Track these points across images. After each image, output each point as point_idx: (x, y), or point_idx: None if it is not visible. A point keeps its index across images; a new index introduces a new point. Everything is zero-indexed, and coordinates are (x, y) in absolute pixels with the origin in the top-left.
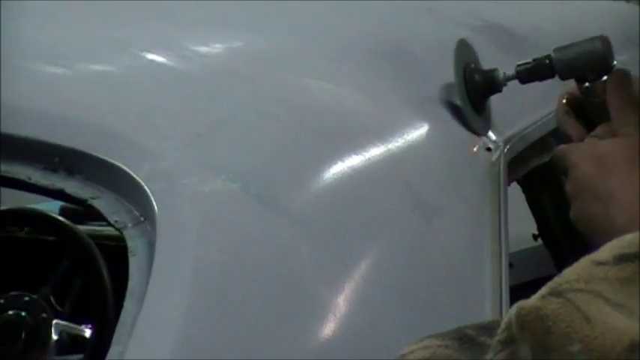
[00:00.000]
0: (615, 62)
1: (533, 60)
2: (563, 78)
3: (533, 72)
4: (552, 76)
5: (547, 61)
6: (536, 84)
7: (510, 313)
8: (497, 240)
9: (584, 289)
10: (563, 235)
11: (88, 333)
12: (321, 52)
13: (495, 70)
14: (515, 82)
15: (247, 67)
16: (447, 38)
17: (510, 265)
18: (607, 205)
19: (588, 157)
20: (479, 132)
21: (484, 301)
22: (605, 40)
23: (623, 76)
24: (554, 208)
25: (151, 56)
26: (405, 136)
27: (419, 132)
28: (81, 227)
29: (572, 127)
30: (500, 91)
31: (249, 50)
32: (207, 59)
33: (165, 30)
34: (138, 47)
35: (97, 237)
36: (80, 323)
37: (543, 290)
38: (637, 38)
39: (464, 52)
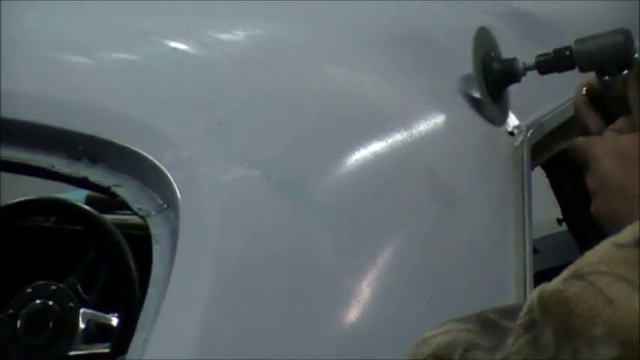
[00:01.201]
0: (637, 55)
1: (554, 51)
2: (583, 70)
3: (553, 63)
4: (572, 68)
5: (567, 53)
6: None
7: (532, 296)
8: (521, 226)
9: (605, 272)
10: (587, 220)
11: (115, 322)
12: (343, 40)
13: (515, 59)
14: None
15: (268, 54)
16: (468, 25)
17: (535, 251)
18: (631, 201)
19: (610, 151)
20: (496, 122)
21: (508, 288)
22: (627, 33)
23: None
24: (578, 192)
25: (172, 44)
26: (427, 123)
27: (441, 118)
28: (107, 216)
29: (591, 118)
30: (519, 81)
31: (271, 38)
32: (229, 47)
33: (187, 18)
34: (160, 35)
35: (123, 226)
36: (107, 312)
37: (565, 273)
38: None
39: (483, 40)
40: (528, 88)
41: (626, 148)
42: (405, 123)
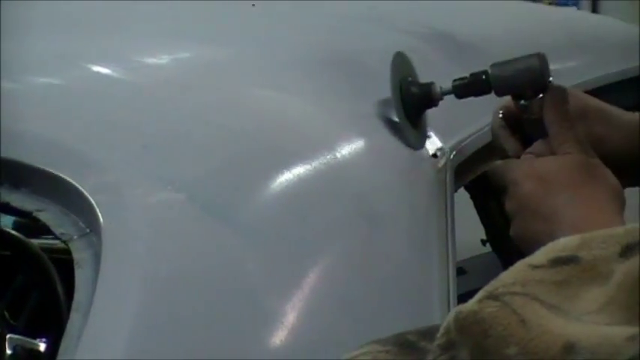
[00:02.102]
0: (551, 79)
1: (470, 75)
2: (499, 94)
3: (470, 87)
4: (489, 92)
5: (484, 77)
6: None
7: (449, 317)
8: (445, 246)
9: (520, 292)
10: (511, 241)
11: (43, 347)
12: (269, 63)
13: (432, 84)
14: None
15: (194, 78)
16: (395, 47)
17: (463, 272)
18: (550, 223)
19: (529, 174)
20: (414, 146)
21: (432, 308)
22: (542, 58)
23: (560, 93)
24: (501, 213)
25: (97, 68)
26: (351, 146)
27: (365, 141)
28: (35, 241)
29: (509, 142)
30: (437, 105)
31: (197, 61)
32: (154, 70)
33: (112, 42)
34: (84, 60)
35: (50, 250)
36: (35, 337)
37: (480, 294)
38: (583, 43)
39: (401, 64)
40: (451, 110)
41: (543, 170)
42: (330, 145)
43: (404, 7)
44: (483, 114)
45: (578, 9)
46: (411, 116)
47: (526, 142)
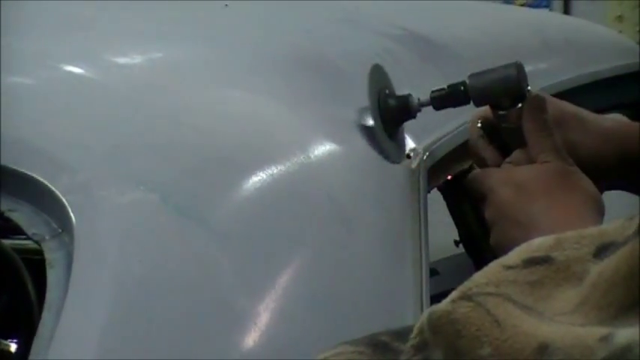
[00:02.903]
0: (529, 88)
1: (448, 86)
2: (478, 105)
3: (448, 98)
4: (467, 103)
5: (462, 88)
6: None
7: (422, 317)
8: (418, 247)
9: (493, 293)
10: (485, 242)
11: (13, 347)
12: (242, 64)
13: (409, 96)
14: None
15: (166, 78)
16: (368, 48)
17: (436, 273)
18: (528, 230)
19: (507, 182)
20: (393, 158)
21: (406, 309)
22: (519, 67)
23: (539, 102)
24: (475, 214)
25: (68, 68)
26: (324, 147)
27: (338, 143)
28: (5, 241)
29: (487, 152)
30: (415, 117)
31: (168, 61)
32: (126, 70)
33: (83, 42)
34: (55, 59)
35: (22, 251)
36: (6, 338)
37: (454, 294)
38: (556, 45)
39: (378, 77)
40: (424, 111)
41: (521, 178)
42: (302, 147)
43: (378, 8)
44: (457, 115)
45: (551, 10)
46: (388, 129)
47: (504, 151)
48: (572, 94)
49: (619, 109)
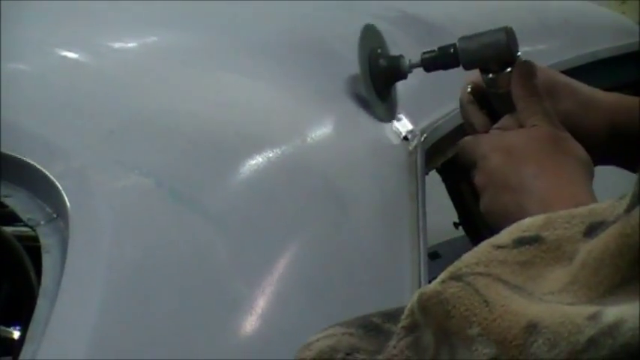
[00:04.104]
0: (520, 53)
1: (439, 48)
2: (467, 68)
3: (438, 60)
4: (457, 65)
5: (452, 51)
6: (451, 72)
7: (413, 298)
8: (416, 230)
9: (483, 273)
10: (484, 223)
11: (17, 334)
12: (237, 48)
13: (401, 56)
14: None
15: (161, 63)
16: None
17: (437, 256)
18: (519, 195)
19: (497, 148)
20: (383, 119)
21: (404, 292)
22: (509, 32)
23: (528, 67)
24: (474, 196)
25: (63, 53)
26: (320, 129)
27: (334, 124)
28: (7, 228)
29: (477, 117)
30: (405, 77)
31: (164, 46)
32: (121, 55)
33: (79, 27)
34: (50, 44)
35: (23, 238)
36: (9, 325)
37: (444, 275)
38: (555, 25)
39: (370, 37)
40: (422, 92)
41: (512, 143)
42: (298, 130)
43: None
44: (454, 96)
45: None
46: (379, 89)
47: (494, 117)
48: (571, 74)
49: (618, 89)
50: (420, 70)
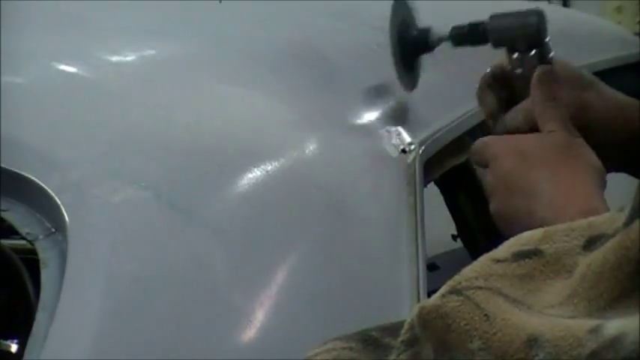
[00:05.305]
0: (548, 38)
1: (469, 24)
2: (495, 45)
3: (467, 36)
4: (485, 42)
5: (481, 27)
6: (449, 87)
7: (413, 312)
8: (414, 242)
9: (483, 287)
10: (482, 235)
11: (14, 348)
12: (234, 59)
13: (430, 29)
14: (433, 83)
15: (159, 74)
16: (362, 42)
17: (436, 267)
18: (530, 199)
19: (511, 151)
20: (406, 88)
21: (402, 304)
22: (540, 15)
23: (548, 73)
24: (472, 208)
25: (60, 66)
26: (319, 142)
27: (332, 136)
28: (4, 241)
29: (487, 97)
30: (432, 50)
31: (162, 59)
32: (118, 67)
33: (75, 39)
34: (47, 57)
35: (21, 251)
36: (6, 338)
37: (443, 289)
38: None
39: (401, 8)
40: (420, 104)
41: (525, 147)
42: (297, 142)
43: (372, 2)
44: (452, 108)
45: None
46: (406, 59)
47: (512, 103)
48: None
49: None
50: (421, 82)
